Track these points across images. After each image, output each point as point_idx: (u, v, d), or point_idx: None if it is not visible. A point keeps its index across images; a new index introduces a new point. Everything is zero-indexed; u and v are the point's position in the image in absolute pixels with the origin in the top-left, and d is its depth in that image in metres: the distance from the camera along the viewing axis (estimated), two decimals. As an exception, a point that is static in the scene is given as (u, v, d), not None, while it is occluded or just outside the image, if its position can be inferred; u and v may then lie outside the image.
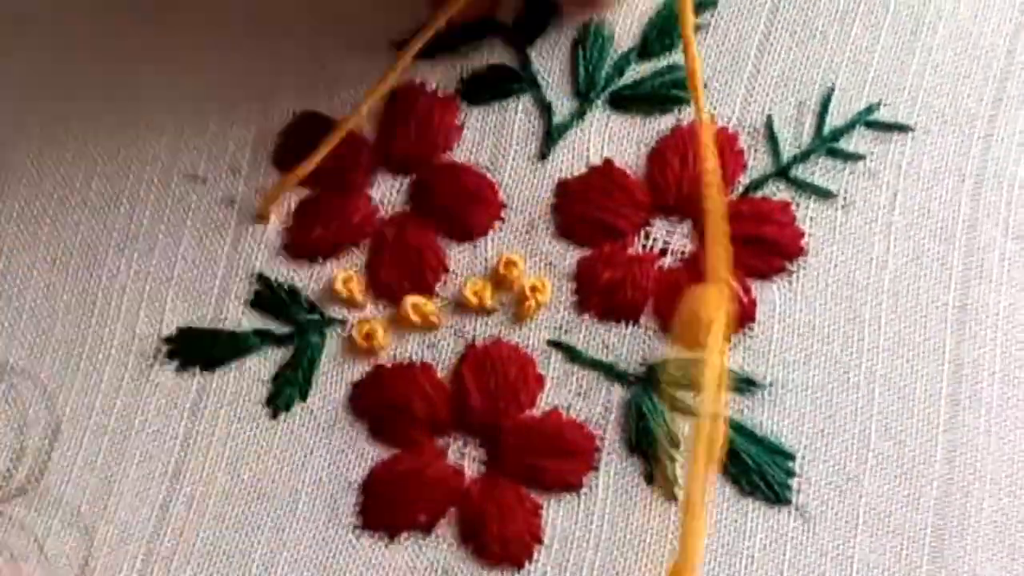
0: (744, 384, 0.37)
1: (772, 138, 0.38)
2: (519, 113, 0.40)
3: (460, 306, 0.38)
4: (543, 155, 0.39)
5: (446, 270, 0.39)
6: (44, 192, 0.40)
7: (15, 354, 0.39)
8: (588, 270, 0.38)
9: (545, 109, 0.39)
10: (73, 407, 0.38)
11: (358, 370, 0.38)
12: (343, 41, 0.40)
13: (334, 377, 0.38)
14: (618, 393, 0.37)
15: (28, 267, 0.40)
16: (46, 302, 0.39)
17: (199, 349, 0.38)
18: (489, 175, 0.39)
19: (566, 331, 0.38)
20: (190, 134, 0.40)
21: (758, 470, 0.36)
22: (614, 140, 0.39)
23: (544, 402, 0.37)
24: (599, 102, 0.39)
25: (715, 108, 0.39)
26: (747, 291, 0.37)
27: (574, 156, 0.39)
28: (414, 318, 0.38)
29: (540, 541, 0.36)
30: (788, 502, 0.36)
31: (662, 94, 0.39)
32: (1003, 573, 0.35)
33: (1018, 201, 0.37)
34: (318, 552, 0.37)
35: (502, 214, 0.39)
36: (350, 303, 0.39)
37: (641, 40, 0.40)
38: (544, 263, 0.38)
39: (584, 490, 0.37)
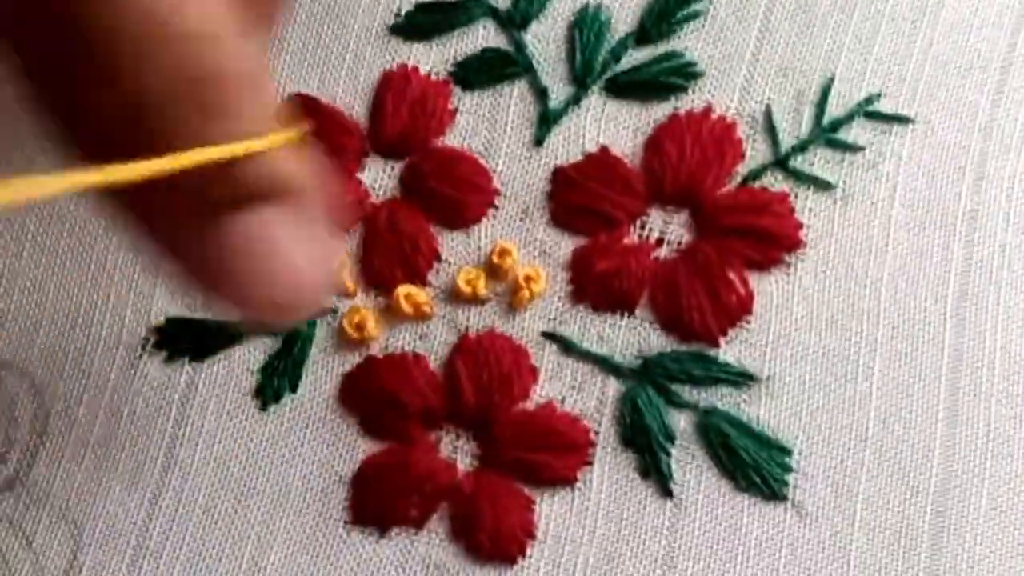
0: (741, 378, 0.36)
1: (771, 128, 0.38)
2: (514, 98, 0.39)
3: (453, 296, 0.38)
4: (538, 141, 0.38)
5: (439, 258, 0.38)
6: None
7: (2, 346, 0.38)
8: (583, 260, 0.38)
9: (541, 94, 0.39)
10: (62, 399, 0.38)
11: (349, 361, 0.38)
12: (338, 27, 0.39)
13: (324, 368, 0.38)
14: (613, 386, 0.37)
15: (15, 258, 0.39)
16: (34, 294, 0.39)
17: (188, 339, 0.38)
18: (483, 161, 0.38)
19: (561, 322, 0.37)
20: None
21: (755, 465, 0.36)
22: (610, 127, 0.38)
23: (538, 395, 0.37)
24: (595, 88, 0.39)
25: (713, 97, 0.38)
26: (744, 283, 0.37)
27: (570, 143, 0.38)
28: (406, 308, 0.37)
29: (533, 536, 0.36)
30: (785, 498, 0.36)
31: (660, 81, 0.38)
32: (1001, 568, 0.35)
33: (1018, 193, 0.37)
34: (308, 547, 0.37)
35: (496, 201, 0.38)
36: (340, 291, 0.38)
37: (639, 25, 0.39)
38: (539, 252, 0.38)
39: (578, 484, 0.36)
